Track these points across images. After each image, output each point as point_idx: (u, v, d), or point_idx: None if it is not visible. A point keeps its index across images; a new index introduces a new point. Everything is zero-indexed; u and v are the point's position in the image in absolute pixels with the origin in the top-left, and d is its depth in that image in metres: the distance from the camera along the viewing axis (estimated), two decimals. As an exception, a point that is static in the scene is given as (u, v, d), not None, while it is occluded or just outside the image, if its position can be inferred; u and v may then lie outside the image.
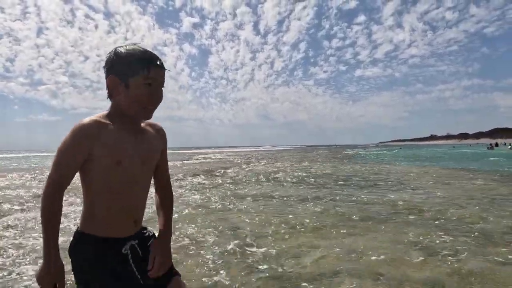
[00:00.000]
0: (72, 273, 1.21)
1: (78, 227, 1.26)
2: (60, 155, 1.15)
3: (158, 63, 1.22)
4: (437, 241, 3.86)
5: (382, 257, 3.36)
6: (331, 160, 25.57)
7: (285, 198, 7.14)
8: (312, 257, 3.42)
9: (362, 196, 7.18)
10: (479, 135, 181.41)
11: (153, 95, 1.21)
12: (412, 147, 79.50)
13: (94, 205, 1.21)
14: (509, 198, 6.74)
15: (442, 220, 4.89)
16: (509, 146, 46.23)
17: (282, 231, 4.44)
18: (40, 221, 1.12)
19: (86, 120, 1.18)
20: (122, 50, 1.22)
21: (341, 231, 4.39)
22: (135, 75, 1.18)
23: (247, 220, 5.10)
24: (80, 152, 1.15)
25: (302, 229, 4.52)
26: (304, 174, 13.21)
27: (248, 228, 4.57)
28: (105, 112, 1.25)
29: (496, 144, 58.45)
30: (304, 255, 3.51)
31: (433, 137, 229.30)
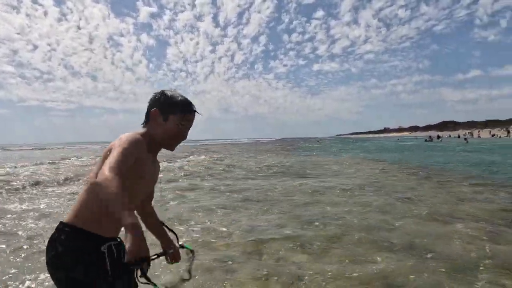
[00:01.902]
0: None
1: (68, 222, 1.41)
2: (124, 156, 1.30)
3: (193, 110, 1.58)
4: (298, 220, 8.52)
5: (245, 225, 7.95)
6: (284, 152, 30.11)
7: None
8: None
9: (277, 182, 11.74)
10: (428, 127, 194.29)
11: (182, 133, 1.56)
12: (364, 140, 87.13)
13: (100, 206, 1.37)
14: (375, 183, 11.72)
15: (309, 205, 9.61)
16: (440, 139, 54.45)
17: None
18: (114, 202, 1.11)
19: (139, 135, 1.47)
20: (168, 92, 1.56)
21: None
22: (175, 114, 1.52)
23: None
24: (133, 158, 1.36)
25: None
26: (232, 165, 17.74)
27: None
28: (142, 132, 1.54)
29: (438, 137, 66.79)
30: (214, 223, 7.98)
31: (386, 130, 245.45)
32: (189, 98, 1.60)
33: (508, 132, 78.96)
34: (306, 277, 3.31)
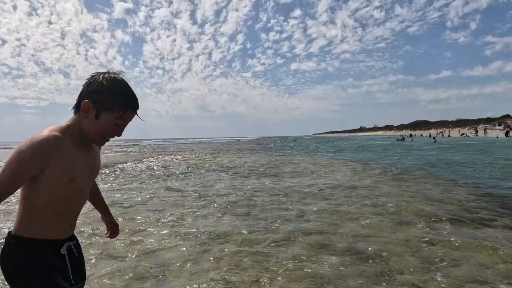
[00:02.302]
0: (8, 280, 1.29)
1: (11, 231, 1.32)
2: (16, 165, 1.16)
3: (135, 109, 1.38)
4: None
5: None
6: (258, 151, 30.31)
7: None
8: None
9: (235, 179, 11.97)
10: (402, 127, 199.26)
11: (116, 132, 1.38)
12: (339, 139, 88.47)
13: (36, 212, 1.28)
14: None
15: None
16: (410, 138, 56.14)
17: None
18: None
19: (46, 132, 1.24)
20: (108, 80, 1.32)
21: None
22: (109, 111, 1.31)
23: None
24: (37, 166, 1.20)
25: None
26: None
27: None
28: (66, 123, 1.33)
29: (410, 136, 68.80)
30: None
31: (362, 129, 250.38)
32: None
33: (477, 131, 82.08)
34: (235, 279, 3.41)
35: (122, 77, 1.39)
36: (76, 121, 1.35)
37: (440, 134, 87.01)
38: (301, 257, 3.97)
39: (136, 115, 1.41)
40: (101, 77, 1.34)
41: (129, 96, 1.36)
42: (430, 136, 77.42)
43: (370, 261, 3.83)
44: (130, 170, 14.64)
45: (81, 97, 1.34)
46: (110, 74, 1.36)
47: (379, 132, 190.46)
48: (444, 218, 5.45)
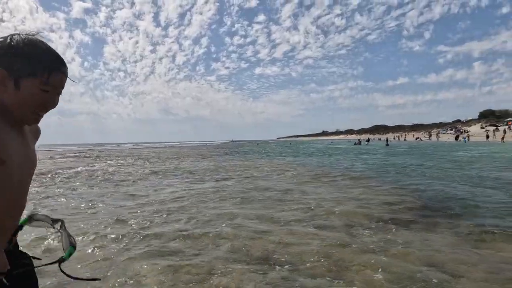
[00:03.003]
0: None
1: None
2: None
3: (62, 69, 1.12)
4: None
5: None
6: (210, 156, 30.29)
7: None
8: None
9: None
10: (362, 131, 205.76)
11: (48, 103, 1.11)
12: (301, 143, 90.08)
13: None
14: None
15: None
16: (367, 143, 58.25)
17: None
18: None
19: None
20: (19, 41, 1.06)
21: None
22: (30, 77, 1.06)
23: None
24: None
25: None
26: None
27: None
28: None
29: (368, 140, 71.59)
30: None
31: (324, 133, 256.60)
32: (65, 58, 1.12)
33: (430, 135, 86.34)
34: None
35: (34, 33, 1.13)
36: None
37: (397, 138, 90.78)
38: (214, 265, 3.94)
39: (67, 77, 1.15)
40: (10, 38, 1.07)
41: (51, 54, 1.10)
42: (386, 140, 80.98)
43: (279, 267, 3.86)
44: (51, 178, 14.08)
45: None
46: (22, 35, 1.09)
47: (341, 136, 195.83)
48: (365, 222, 5.63)
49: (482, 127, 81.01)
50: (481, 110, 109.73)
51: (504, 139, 47.56)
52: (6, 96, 1.07)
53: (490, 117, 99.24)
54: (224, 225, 5.70)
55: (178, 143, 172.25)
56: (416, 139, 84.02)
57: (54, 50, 1.12)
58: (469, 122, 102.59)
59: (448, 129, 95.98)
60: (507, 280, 3.38)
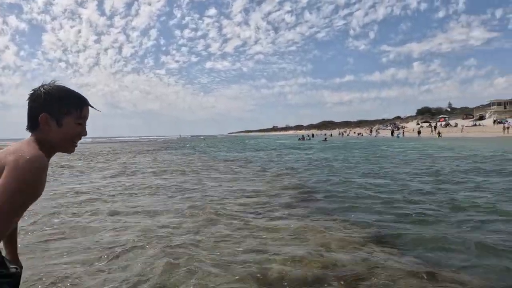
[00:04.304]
0: None
1: None
2: (21, 202, 1.14)
3: (87, 103, 1.44)
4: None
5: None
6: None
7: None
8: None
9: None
10: (310, 126, 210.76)
11: (82, 132, 1.42)
12: (248, 138, 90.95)
13: None
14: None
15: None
16: (309, 138, 60.51)
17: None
18: None
19: (37, 151, 1.24)
20: (51, 88, 1.36)
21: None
22: (69, 115, 1.36)
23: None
24: (34, 199, 1.21)
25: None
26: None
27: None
28: (34, 139, 1.34)
29: (313, 135, 74.24)
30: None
31: (275, 128, 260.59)
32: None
33: (371, 131, 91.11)
34: None
35: (56, 81, 1.42)
36: (40, 136, 1.35)
37: (341, 134, 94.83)
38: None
39: (91, 107, 1.47)
40: (43, 88, 1.36)
41: (76, 95, 1.41)
42: (331, 135, 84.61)
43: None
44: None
45: (32, 113, 1.36)
46: (49, 84, 1.39)
47: (290, 132, 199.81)
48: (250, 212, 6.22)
49: (418, 124, 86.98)
50: (419, 108, 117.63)
51: (441, 134, 51.24)
52: (51, 134, 1.35)
53: (426, 114, 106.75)
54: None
55: (127, 138, 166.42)
56: (358, 134, 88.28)
57: (75, 91, 1.43)
58: (407, 119, 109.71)
59: (388, 125, 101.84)
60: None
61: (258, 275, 3.43)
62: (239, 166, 15.24)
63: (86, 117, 1.44)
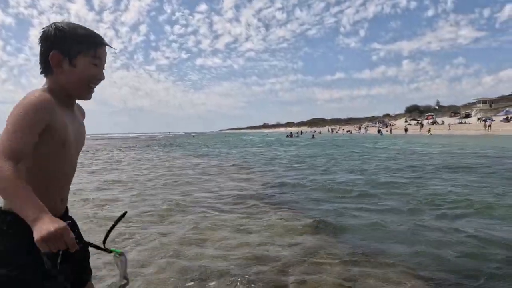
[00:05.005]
0: None
1: (1, 207, 1.17)
2: (21, 131, 1.04)
3: (104, 42, 1.27)
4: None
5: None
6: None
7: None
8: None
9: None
10: (301, 123, 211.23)
11: (99, 75, 1.27)
12: (237, 135, 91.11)
13: (28, 183, 1.03)
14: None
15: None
16: (297, 135, 60.96)
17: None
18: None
19: (43, 93, 1.15)
20: (64, 26, 1.20)
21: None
22: (82, 55, 1.21)
23: None
24: (39, 128, 1.09)
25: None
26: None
27: None
28: (44, 87, 1.22)
29: (301, 132, 74.79)
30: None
31: (265, 126, 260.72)
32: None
33: (360, 128, 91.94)
34: None
35: (70, 22, 1.27)
36: (52, 82, 1.23)
37: (331, 131, 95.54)
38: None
39: (108, 46, 1.32)
40: (55, 26, 1.21)
41: (92, 32, 1.26)
42: (320, 132, 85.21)
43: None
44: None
45: (44, 53, 1.22)
46: (61, 22, 1.24)
47: (281, 129, 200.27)
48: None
49: (406, 121, 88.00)
50: (408, 106, 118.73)
51: (431, 132, 52.01)
52: (63, 76, 1.21)
53: (414, 112, 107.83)
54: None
55: (116, 135, 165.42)
56: (348, 131, 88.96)
57: (90, 28, 1.28)
58: (396, 117, 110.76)
59: (377, 122, 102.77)
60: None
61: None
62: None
63: (102, 57, 1.29)
